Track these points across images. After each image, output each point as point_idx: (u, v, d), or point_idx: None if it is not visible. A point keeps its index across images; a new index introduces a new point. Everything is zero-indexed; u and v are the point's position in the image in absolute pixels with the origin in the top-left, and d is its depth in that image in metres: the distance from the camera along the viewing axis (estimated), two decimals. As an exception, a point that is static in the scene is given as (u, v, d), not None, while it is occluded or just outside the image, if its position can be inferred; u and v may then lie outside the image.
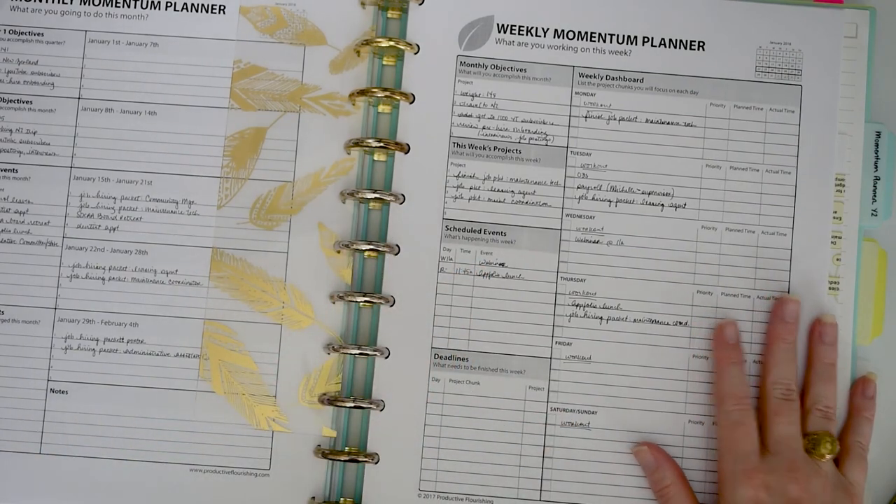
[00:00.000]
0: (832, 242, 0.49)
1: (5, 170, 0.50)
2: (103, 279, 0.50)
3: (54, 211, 0.50)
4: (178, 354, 0.49)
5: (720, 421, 0.47)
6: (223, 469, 0.48)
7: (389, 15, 0.52)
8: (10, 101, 0.51)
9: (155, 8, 0.51)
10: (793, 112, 0.50)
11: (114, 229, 0.50)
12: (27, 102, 0.51)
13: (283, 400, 0.49)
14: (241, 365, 0.49)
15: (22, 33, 0.51)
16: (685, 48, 0.50)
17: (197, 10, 0.51)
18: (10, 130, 0.51)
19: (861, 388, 0.49)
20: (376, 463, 0.48)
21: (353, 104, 0.51)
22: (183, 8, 0.51)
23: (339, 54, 0.51)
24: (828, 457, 0.46)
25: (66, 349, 0.49)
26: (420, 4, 0.51)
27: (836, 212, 0.50)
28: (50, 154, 0.50)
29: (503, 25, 0.51)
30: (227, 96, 0.51)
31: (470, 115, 0.50)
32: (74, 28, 0.51)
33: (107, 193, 0.50)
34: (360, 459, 0.48)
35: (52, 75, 0.51)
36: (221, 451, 0.49)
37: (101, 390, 0.49)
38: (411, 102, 0.50)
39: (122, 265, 0.50)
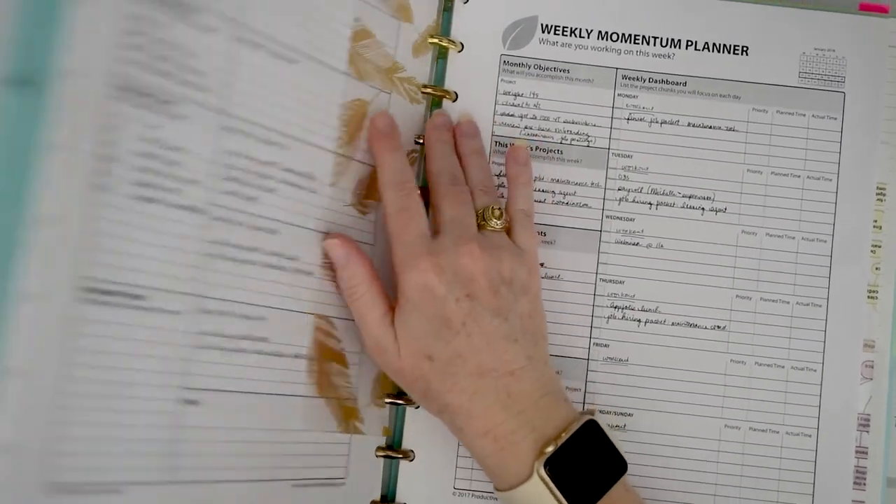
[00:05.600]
0: (871, 251, 0.49)
1: (163, 101, 0.35)
2: (236, 261, 0.39)
3: (204, 168, 0.37)
4: (294, 355, 0.42)
5: (385, 211, 0.44)
6: (315, 482, 0.43)
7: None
8: None
9: None
10: (835, 119, 0.50)
11: (253, 199, 0.40)
12: None
13: (361, 401, 0.46)
14: (339, 365, 0.45)
15: None
16: (729, 53, 0.50)
17: None
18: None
19: (512, 156, 0.48)
20: (411, 461, 0.48)
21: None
22: None
23: (419, 38, 0.49)
24: (497, 225, 0.45)
25: (202, 347, 0.38)
26: (465, 3, 0.51)
27: (876, 221, 0.50)
28: (205, 90, 0.37)
29: (547, 26, 0.51)
30: (345, 58, 0.44)
31: (512, 115, 0.50)
32: None
33: (251, 154, 0.39)
34: (395, 456, 0.48)
35: None
36: (301, 463, 0.43)
37: (236, 399, 0.39)
38: (454, 101, 0.50)
39: (255, 246, 0.40)
